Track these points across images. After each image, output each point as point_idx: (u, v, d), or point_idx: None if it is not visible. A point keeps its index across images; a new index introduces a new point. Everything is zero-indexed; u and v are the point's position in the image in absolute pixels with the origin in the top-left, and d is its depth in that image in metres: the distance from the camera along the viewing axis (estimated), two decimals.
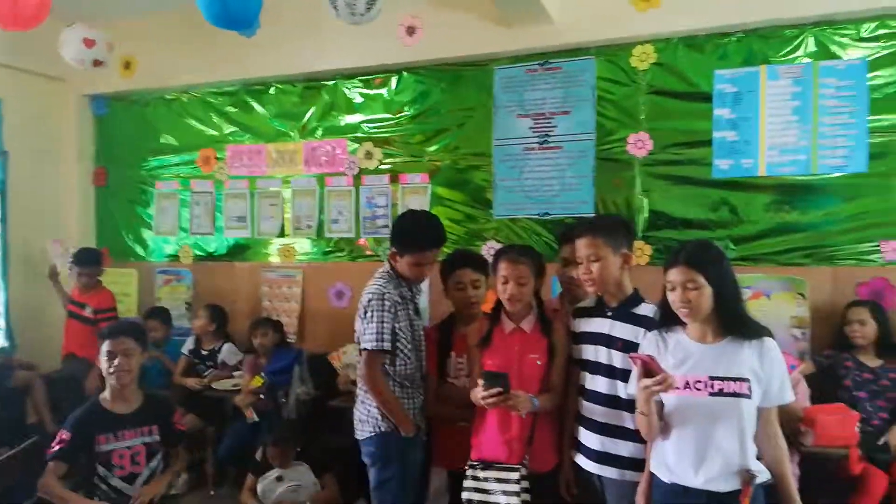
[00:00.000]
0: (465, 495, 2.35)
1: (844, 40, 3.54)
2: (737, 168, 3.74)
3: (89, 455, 2.53)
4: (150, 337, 4.55)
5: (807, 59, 3.60)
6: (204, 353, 4.53)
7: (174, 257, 5.18)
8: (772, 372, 1.93)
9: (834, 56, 3.56)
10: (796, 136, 3.64)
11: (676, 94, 3.84)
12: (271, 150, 4.85)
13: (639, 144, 3.91)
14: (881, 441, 3.01)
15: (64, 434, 2.53)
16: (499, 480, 2.29)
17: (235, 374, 4.36)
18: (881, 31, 3.48)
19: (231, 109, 4.97)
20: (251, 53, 4.54)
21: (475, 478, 2.34)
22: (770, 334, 2.00)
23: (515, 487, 2.26)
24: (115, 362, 2.59)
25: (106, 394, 2.67)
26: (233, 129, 4.97)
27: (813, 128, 3.61)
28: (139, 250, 5.30)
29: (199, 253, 5.10)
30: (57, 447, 2.51)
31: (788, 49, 3.64)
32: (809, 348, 3.53)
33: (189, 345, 4.58)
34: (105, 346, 2.61)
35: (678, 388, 1.95)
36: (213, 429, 4.25)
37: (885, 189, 3.48)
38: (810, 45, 3.60)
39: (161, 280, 5.17)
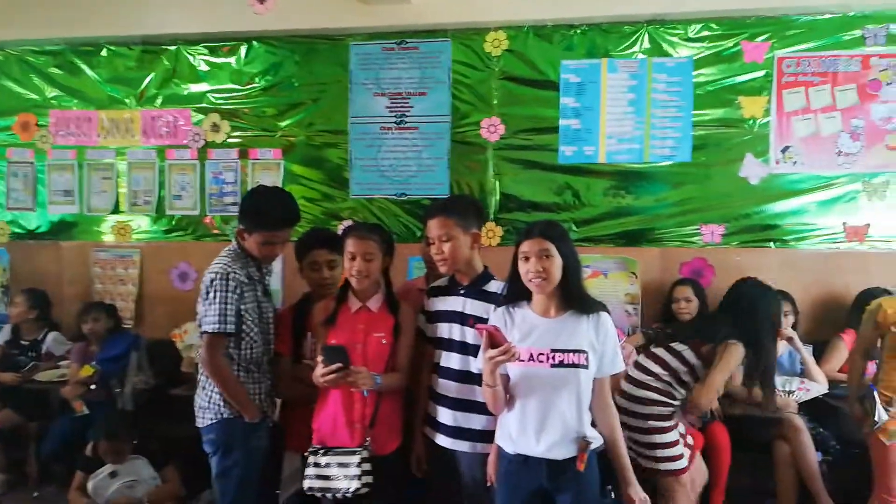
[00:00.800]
0: (306, 483, 2.29)
1: (674, 39, 3.86)
2: (580, 154, 3.96)
3: None
4: None
5: (642, 55, 3.88)
6: (24, 343, 4.08)
7: None
8: (606, 344, 2.07)
9: (665, 53, 3.87)
10: (632, 126, 3.92)
11: (527, 82, 3.99)
12: (103, 117, 4.42)
13: (491, 129, 4.02)
14: None
15: None
16: (340, 465, 2.26)
17: (62, 363, 3.97)
18: (706, 33, 3.82)
19: (55, 71, 4.46)
20: (79, 10, 4.15)
21: (316, 464, 2.29)
22: (606, 310, 2.14)
23: (356, 471, 2.23)
24: None
25: None
26: (57, 92, 4.47)
27: (646, 119, 3.91)
28: None
29: (17, 230, 4.56)
30: None
31: (626, 44, 3.90)
32: (640, 322, 3.85)
33: (5, 335, 4.10)
34: None
35: (522, 361, 2.04)
36: (36, 424, 3.85)
37: (706, 177, 3.86)
38: (645, 41, 3.88)
39: None
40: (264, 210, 2.52)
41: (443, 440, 2.34)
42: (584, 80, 3.94)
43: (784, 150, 3.79)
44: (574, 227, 3.92)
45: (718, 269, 3.81)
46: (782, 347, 3.47)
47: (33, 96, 4.49)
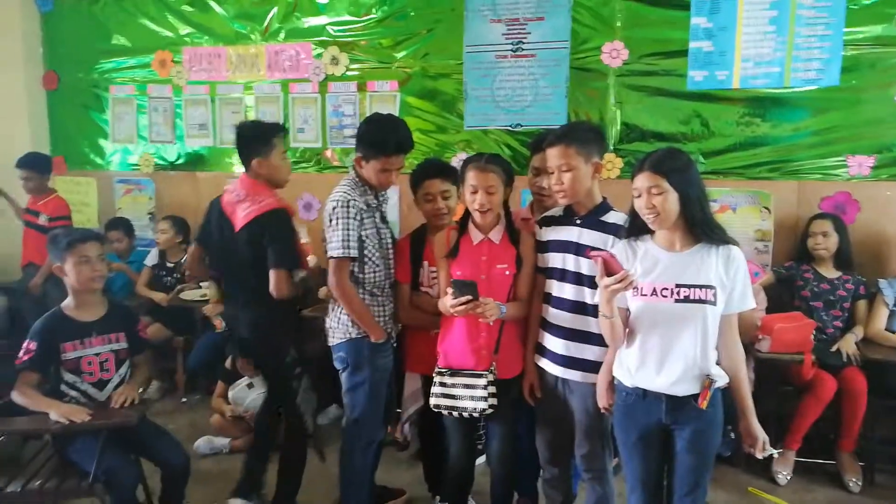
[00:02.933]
0: (433, 401, 2.41)
1: None
2: (711, 80, 3.69)
3: (56, 363, 2.52)
4: (114, 248, 4.50)
5: None
6: (170, 265, 4.47)
7: (134, 166, 4.99)
8: (736, 279, 1.97)
9: None
10: (772, 47, 3.59)
11: (653, 1, 3.73)
12: (231, 53, 4.61)
13: (613, 54, 3.82)
14: (834, 348, 3.15)
15: (31, 344, 2.49)
16: (466, 386, 2.35)
17: (203, 284, 4.32)
18: None
19: (187, 9, 4.67)
20: None
21: (443, 384, 2.39)
22: (736, 244, 2.03)
23: (483, 393, 2.31)
24: (97, 267, 2.56)
25: (69, 302, 2.61)
26: (190, 30, 4.69)
27: (789, 39, 3.56)
28: (96, 159, 5.09)
29: (159, 162, 4.93)
30: (25, 357, 2.48)
31: None
32: (771, 261, 3.63)
33: (153, 258, 4.50)
34: (77, 253, 2.53)
35: (645, 295, 1.98)
36: (183, 338, 4.26)
37: (855, 103, 3.50)
38: None
39: (121, 190, 5.01)
40: (378, 137, 2.55)
41: (553, 368, 2.35)
42: None
43: None
44: (701, 159, 3.70)
45: (865, 204, 3.49)
46: None
47: (168, 34, 4.75)
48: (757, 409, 2.06)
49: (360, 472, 2.70)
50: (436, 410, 2.42)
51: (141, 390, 2.68)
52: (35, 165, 4.44)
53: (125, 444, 2.53)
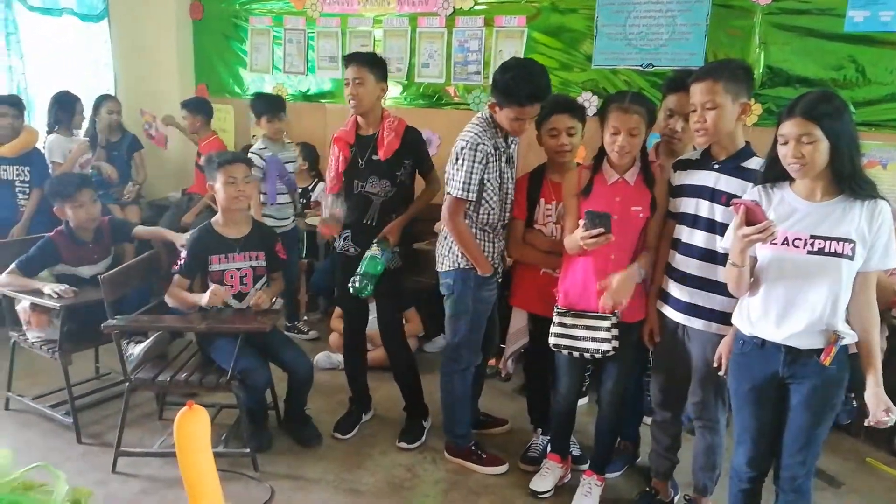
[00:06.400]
0: (552, 340, 2.44)
1: None
2: (873, 21, 3.35)
3: (203, 273, 2.78)
4: None
5: None
6: (298, 190, 4.71)
7: None
8: (879, 234, 1.84)
9: None
10: None
11: None
12: None
13: None
14: None
15: (184, 253, 2.78)
16: (588, 328, 2.36)
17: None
18: None
19: None
20: None
21: (563, 324, 2.41)
22: (885, 199, 1.88)
23: (607, 335, 2.33)
24: (241, 188, 2.77)
25: (218, 218, 2.86)
26: None
27: None
28: (235, 87, 5.39)
29: (291, 92, 5.15)
30: (180, 263, 2.78)
31: None
32: None
33: None
34: (225, 172, 2.74)
35: (775, 244, 1.89)
36: (307, 261, 4.52)
37: None
38: None
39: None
40: (513, 86, 2.49)
41: (675, 315, 2.31)
42: None
43: None
44: (852, 109, 3.38)
45: None
46: None
47: None
48: (884, 381, 1.93)
49: (460, 395, 2.83)
50: (555, 350, 2.46)
51: (273, 301, 2.92)
52: (190, 107, 4.69)
53: (259, 349, 2.79)
